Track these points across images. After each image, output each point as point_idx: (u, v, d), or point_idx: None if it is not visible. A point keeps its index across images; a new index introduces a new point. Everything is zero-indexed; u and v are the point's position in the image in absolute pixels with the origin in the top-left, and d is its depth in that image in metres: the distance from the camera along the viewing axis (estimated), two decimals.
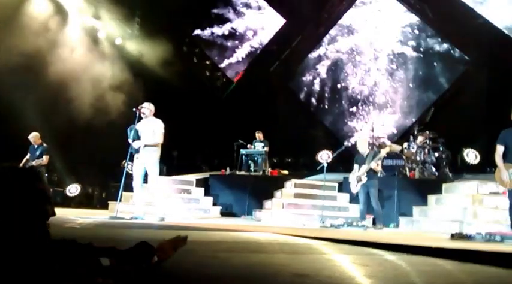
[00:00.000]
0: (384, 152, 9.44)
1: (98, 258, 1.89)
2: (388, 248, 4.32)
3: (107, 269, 1.73)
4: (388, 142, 12.21)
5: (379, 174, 9.44)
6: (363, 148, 9.34)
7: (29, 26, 12.46)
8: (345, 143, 12.45)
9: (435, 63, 16.93)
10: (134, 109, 8.16)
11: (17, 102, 11.77)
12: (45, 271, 1.68)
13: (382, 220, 9.09)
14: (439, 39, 16.89)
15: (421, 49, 17.13)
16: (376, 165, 9.02)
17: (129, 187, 8.63)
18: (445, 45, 16.80)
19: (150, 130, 7.99)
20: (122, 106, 14.53)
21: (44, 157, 10.26)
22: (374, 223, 9.38)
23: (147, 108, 8.12)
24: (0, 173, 1.81)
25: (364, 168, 8.99)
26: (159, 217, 7.72)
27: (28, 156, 10.42)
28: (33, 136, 10.49)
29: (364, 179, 8.96)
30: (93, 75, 13.68)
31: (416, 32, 17.24)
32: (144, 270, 2.35)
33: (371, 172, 8.98)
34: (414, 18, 17.28)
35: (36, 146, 10.45)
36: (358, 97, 17.96)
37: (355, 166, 9.29)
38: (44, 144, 10.53)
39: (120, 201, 8.37)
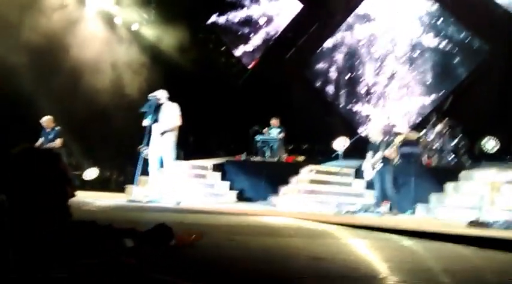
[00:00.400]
0: (398, 140, 9.42)
1: (122, 239, 1.92)
2: (405, 234, 4.31)
3: (130, 249, 1.75)
4: (406, 130, 12.07)
5: (395, 161, 9.40)
6: (375, 136, 9.35)
7: (46, 10, 12.52)
8: (361, 130, 12.35)
9: (454, 51, 16.63)
10: (149, 96, 8.22)
11: (35, 86, 11.90)
12: (67, 249, 1.70)
13: (398, 206, 9.09)
14: (458, 28, 16.57)
15: (440, 37, 16.81)
16: (390, 152, 9.00)
17: (145, 171, 8.70)
18: (464, 34, 16.48)
19: (165, 115, 8.05)
20: (138, 91, 14.59)
21: (57, 140, 10.22)
22: (391, 209, 9.37)
23: (162, 95, 8.18)
24: (21, 153, 1.83)
25: (379, 155, 9.00)
26: (176, 201, 7.79)
27: (42, 140, 10.37)
28: (46, 120, 10.42)
29: (379, 166, 8.97)
30: (110, 60, 13.72)
31: (435, 20, 16.92)
32: (163, 251, 2.38)
33: (385, 159, 8.98)
34: (433, 7, 16.96)
35: (49, 130, 10.43)
36: (375, 85, 17.77)
37: (369, 153, 9.31)
38: (57, 127, 10.49)
39: (137, 184, 8.45)
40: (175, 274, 1.52)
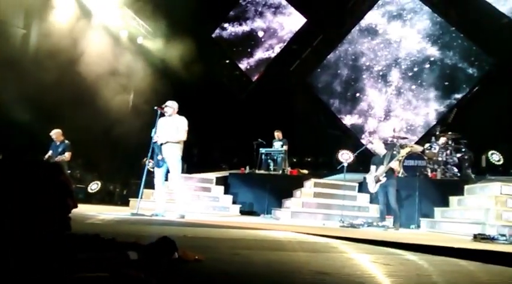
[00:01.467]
0: (403, 152, 9.49)
1: (127, 252, 1.92)
2: (410, 248, 4.28)
3: (135, 262, 1.76)
4: (410, 143, 12.08)
5: (399, 174, 9.40)
6: (379, 149, 9.40)
7: (54, 24, 12.67)
8: (365, 143, 12.37)
9: (458, 64, 16.69)
10: (156, 108, 8.20)
11: (40, 99, 11.99)
12: (68, 262, 1.70)
13: (400, 220, 9.10)
14: (463, 40, 16.64)
15: (444, 49, 16.90)
16: (395, 165, 9.04)
17: (150, 185, 8.70)
18: (469, 46, 16.55)
19: (173, 127, 8.00)
20: (143, 104, 14.66)
21: (67, 153, 10.38)
22: (394, 223, 9.36)
23: (171, 106, 8.13)
24: (23, 166, 1.84)
25: (382, 168, 9.02)
26: (179, 214, 7.77)
27: (50, 152, 10.51)
28: (56, 133, 10.58)
29: (383, 179, 8.99)
30: (115, 74, 13.84)
31: (440, 32, 17.01)
32: (167, 265, 2.37)
33: (390, 172, 9.02)
34: (437, 18, 17.05)
35: (58, 143, 10.57)
36: (379, 97, 17.82)
37: (373, 167, 9.37)
38: (66, 141, 10.63)
39: (141, 198, 8.44)
40: None
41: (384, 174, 9.01)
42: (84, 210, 8.11)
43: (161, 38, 15.60)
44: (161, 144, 7.95)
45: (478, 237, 5.96)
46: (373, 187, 9.28)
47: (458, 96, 16.63)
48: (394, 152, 10.31)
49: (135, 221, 6.64)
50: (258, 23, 19.12)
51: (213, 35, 19.10)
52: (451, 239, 6.54)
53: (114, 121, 13.24)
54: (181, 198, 8.12)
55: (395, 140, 12.26)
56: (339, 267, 2.98)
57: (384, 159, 9.15)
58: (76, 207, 1.97)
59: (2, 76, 10.85)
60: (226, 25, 19.20)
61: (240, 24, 19.12)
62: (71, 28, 13.15)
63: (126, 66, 14.43)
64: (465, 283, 2.57)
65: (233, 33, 19.17)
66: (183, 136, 8.01)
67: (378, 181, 9.10)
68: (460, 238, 6.60)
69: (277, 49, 19.08)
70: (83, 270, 1.54)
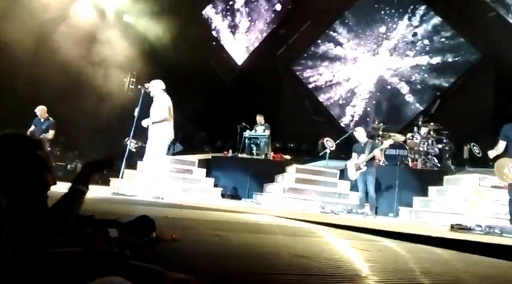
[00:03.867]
0: (386, 144, 9.58)
1: (106, 229, 1.89)
2: (388, 235, 4.34)
3: (115, 240, 1.73)
4: (392, 133, 12.16)
5: (381, 163, 9.49)
6: (361, 137, 9.47)
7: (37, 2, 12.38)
8: (350, 130, 12.43)
9: (443, 55, 16.78)
10: (140, 87, 8.12)
11: (23, 76, 11.77)
12: (47, 238, 1.68)
13: (375, 208, 9.22)
14: (449, 31, 16.71)
15: (430, 40, 16.96)
16: (378, 154, 9.13)
17: (131, 164, 8.63)
18: (455, 37, 16.63)
19: (157, 108, 7.94)
20: (127, 83, 14.50)
21: (51, 131, 10.22)
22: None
23: (156, 86, 8.05)
24: (1, 138, 1.80)
25: (363, 157, 9.10)
26: (158, 196, 7.73)
27: (32, 128, 10.31)
28: (40, 110, 10.40)
29: (364, 168, 9.08)
30: (99, 52, 13.60)
31: (426, 22, 17.05)
32: (145, 243, 2.36)
33: (370, 161, 9.11)
34: (423, 7, 17.07)
35: (42, 120, 10.39)
36: (364, 85, 17.87)
37: (354, 154, 9.45)
38: (51, 119, 10.45)
39: (122, 177, 8.38)
40: (157, 265, 1.51)
41: (365, 163, 9.10)
42: (63, 188, 8.01)
43: (147, 17, 15.34)
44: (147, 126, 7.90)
45: (455, 227, 6.04)
46: (353, 175, 9.37)
47: (441, 87, 16.75)
48: (376, 141, 10.39)
49: (116, 201, 6.60)
50: (246, 6, 18.90)
51: (200, 15, 18.82)
52: (428, 228, 6.63)
53: (97, 100, 13.05)
54: (160, 180, 8.07)
55: (378, 130, 12.32)
56: (317, 251, 3.01)
57: (366, 147, 9.23)
58: (55, 183, 1.93)
59: None
60: (214, 6, 18.94)
61: (228, 7, 18.89)
62: (53, 6, 12.84)
63: (111, 44, 14.18)
64: (441, 270, 2.61)
65: (221, 15, 18.95)
66: (165, 113, 7.89)
67: (358, 169, 9.19)
68: (438, 228, 6.70)
69: (265, 33, 18.92)
70: (56, 246, 1.51)
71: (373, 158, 9.15)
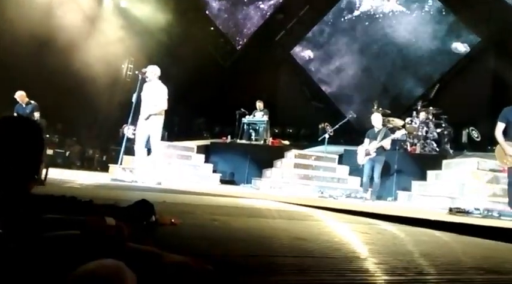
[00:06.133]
0: (399, 133, 9.55)
1: (104, 216, 1.89)
2: (387, 219, 4.35)
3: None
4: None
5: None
6: (378, 124, 9.44)
7: None
8: (348, 115, 12.40)
9: (442, 39, 16.70)
10: (137, 72, 8.09)
11: (21, 64, 11.72)
12: (44, 222, 1.67)
13: (377, 194, 9.24)
14: (449, 15, 16.61)
15: (429, 24, 16.86)
16: (388, 143, 9.12)
17: (130, 151, 8.63)
18: (454, 22, 16.54)
19: (153, 95, 7.91)
20: (124, 69, 14.44)
21: (36, 113, 10.15)
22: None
23: (152, 71, 8.01)
24: (5, 120, 1.80)
25: (375, 144, 9.11)
26: (156, 182, 7.74)
27: (15, 114, 10.25)
28: (20, 96, 10.28)
29: (373, 154, 9.09)
30: (96, 38, 13.52)
31: (428, 5, 16.93)
32: (144, 227, 2.36)
33: (380, 149, 9.11)
34: None
35: (24, 105, 10.31)
36: (363, 70, 17.81)
37: (366, 140, 9.46)
38: (32, 102, 10.37)
39: (121, 164, 8.39)
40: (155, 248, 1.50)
41: (375, 149, 9.11)
42: (63, 175, 8.03)
43: (145, 2, 15.22)
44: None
45: (454, 210, 6.06)
46: (362, 159, 9.38)
47: (441, 71, 16.70)
48: (387, 130, 10.34)
49: (115, 187, 6.60)
50: None
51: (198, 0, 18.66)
52: (427, 212, 6.65)
53: (95, 87, 13.01)
54: (158, 165, 8.09)
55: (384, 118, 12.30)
56: (316, 234, 3.01)
57: (378, 134, 9.24)
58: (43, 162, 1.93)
59: None
60: None
61: None
62: None
63: (109, 30, 14.09)
64: (440, 252, 2.62)
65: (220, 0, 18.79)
66: (164, 105, 7.93)
67: (367, 154, 9.21)
68: (436, 211, 6.72)
69: (263, 18, 18.79)
70: (52, 229, 1.51)
71: (383, 146, 9.15)
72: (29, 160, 1.75)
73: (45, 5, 12.43)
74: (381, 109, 12.52)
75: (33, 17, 11.66)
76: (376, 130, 9.41)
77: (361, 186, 9.66)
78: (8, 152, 1.67)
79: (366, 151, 9.26)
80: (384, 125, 10.27)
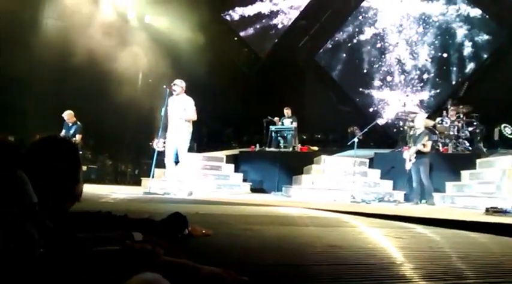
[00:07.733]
0: (434, 137, 9.45)
1: (131, 232, 1.93)
2: (421, 222, 4.28)
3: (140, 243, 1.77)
4: (422, 117, 11.93)
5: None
6: (419, 125, 9.43)
7: (61, 5, 12.65)
8: (376, 119, 12.29)
9: (470, 37, 16.41)
10: (164, 87, 8.22)
11: (51, 81, 12.05)
12: (81, 238, 1.73)
13: (431, 196, 9.16)
14: (475, 11, 16.32)
15: (457, 21, 16.60)
16: (423, 146, 9.01)
17: (160, 164, 8.74)
18: (481, 18, 16.24)
19: (181, 108, 8.04)
20: (151, 84, 14.64)
21: (78, 136, 10.45)
22: (406, 199, 9.46)
23: (179, 85, 8.15)
24: (46, 140, 1.88)
25: (413, 148, 9.05)
26: (188, 192, 7.84)
27: (63, 132, 10.60)
28: (67, 114, 10.65)
29: (413, 159, 9.02)
30: (123, 54, 13.77)
31: (452, 4, 16.68)
32: (178, 240, 2.39)
33: (420, 151, 9.01)
34: None
35: (70, 124, 10.63)
36: (390, 72, 17.62)
37: (411, 144, 9.48)
38: (78, 123, 10.69)
39: (153, 177, 8.52)
40: (190, 260, 1.53)
41: (414, 154, 9.03)
42: (96, 190, 8.19)
43: (169, 17, 15.44)
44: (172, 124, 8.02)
45: (490, 210, 5.92)
46: (407, 165, 9.33)
47: (470, 68, 16.41)
48: (427, 132, 10.18)
49: (148, 200, 6.69)
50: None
51: (223, 13, 18.83)
52: (463, 213, 6.52)
53: (124, 102, 13.23)
54: (188, 176, 8.19)
55: (406, 115, 12.13)
56: (350, 240, 2.99)
57: (419, 137, 9.17)
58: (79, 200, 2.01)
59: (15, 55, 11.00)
60: (235, 3, 18.90)
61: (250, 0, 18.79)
62: (79, 10, 13.06)
63: (135, 45, 14.34)
64: (478, 255, 2.56)
65: (243, 9, 18.88)
66: (193, 116, 8.08)
67: (410, 160, 9.16)
68: (472, 212, 6.58)
69: (286, 25, 18.79)
70: (94, 247, 1.55)
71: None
72: (66, 180, 1.81)
73: (73, 22, 12.79)
74: (409, 111, 12.36)
75: (61, 34, 12.03)
76: (417, 133, 9.34)
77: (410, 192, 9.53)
78: (45, 173, 1.73)
79: (409, 156, 9.20)
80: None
